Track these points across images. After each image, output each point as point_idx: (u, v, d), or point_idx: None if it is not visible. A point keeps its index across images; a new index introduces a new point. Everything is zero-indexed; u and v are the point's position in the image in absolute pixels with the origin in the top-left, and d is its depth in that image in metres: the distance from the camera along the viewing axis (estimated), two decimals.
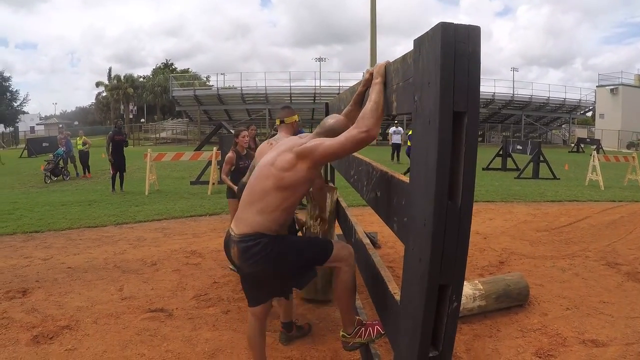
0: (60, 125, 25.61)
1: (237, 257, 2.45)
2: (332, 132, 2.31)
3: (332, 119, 2.47)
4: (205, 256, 5.79)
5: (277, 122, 3.51)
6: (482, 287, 3.83)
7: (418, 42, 1.34)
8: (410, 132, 14.05)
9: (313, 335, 3.63)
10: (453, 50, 1.14)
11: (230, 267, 3.08)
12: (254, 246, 2.39)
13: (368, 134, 1.93)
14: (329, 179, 5.74)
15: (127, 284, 4.78)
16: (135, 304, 4.27)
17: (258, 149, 3.64)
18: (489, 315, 3.85)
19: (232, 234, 2.48)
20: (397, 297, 1.62)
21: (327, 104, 5.69)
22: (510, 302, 3.94)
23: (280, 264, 2.46)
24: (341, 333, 2.73)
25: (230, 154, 5.62)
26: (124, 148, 11.62)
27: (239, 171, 5.40)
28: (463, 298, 3.67)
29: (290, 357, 3.27)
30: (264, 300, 2.79)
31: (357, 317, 2.65)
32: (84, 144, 15.33)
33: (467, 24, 1.13)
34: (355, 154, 2.78)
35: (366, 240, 2.65)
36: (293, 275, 2.63)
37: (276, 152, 2.47)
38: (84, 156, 15.35)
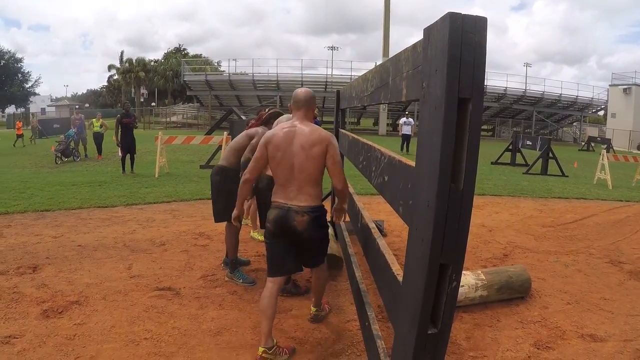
0: (76, 107, 25.81)
1: (305, 224, 3.02)
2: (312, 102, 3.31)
3: (301, 95, 3.33)
4: (214, 238, 5.87)
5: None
6: (484, 278, 3.88)
7: (427, 31, 1.39)
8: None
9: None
10: (460, 40, 1.19)
11: (265, 240, 3.20)
12: (322, 215, 3.11)
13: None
14: (341, 169, 5.79)
15: (135, 263, 4.88)
16: (144, 282, 4.36)
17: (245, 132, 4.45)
18: (490, 306, 3.90)
19: (296, 206, 3.03)
20: (400, 279, 1.68)
21: (338, 91, 5.73)
22: (512, 293, 3.98)
23: (326, 233, 3.22)
24: (313, 309, 3.60)
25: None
26: (134, 130, 11.75)
27: None
28: (465, 287, 3.74)
29: (294, 337, 3.34)
30: (293, 271, 3.39)
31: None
32: (101, 125, 15.52)
33: (475, 14, 1.17)
34: (362, 139, 3.25)
35: (372, 225, 2.71)
36: (324, 247, 3.30)
37: (313, 147, 3.05)
38: (99, 137, 15.55)
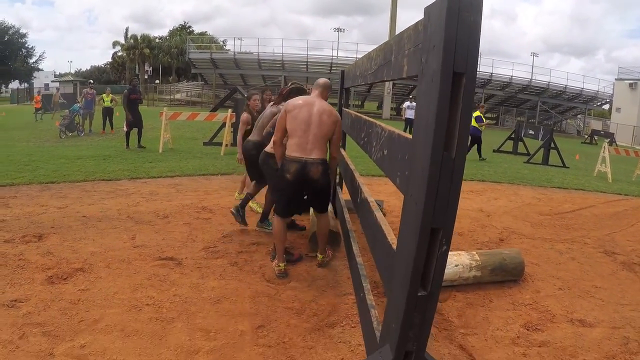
0: (90, 82, 25.69)
1: (319, 173, 3.88)
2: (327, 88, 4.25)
3: (321, 81, 4.29)
4: (216, 212, 5.98)
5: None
6: (478, 258, 3.97)
7: (428, 10, 1.48)
8: (476, 114, 13.40)
9: (314, 289, 3.82)
10: (457, 18, 1.27)
11: (278, 189, 4.18)
12: (327, 165, 3.99)
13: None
14: (340, 144, 5.88)
15: (139, 234, 4.99)
16: (147, 252, 4.47)
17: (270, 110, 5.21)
18: (483, 287, 4.00)
19: (310, 159, 3.87)
20: (395, 247, 1.77)
21: (342, 71, 5.78)
22: (505, 275, 4.08)
23: (330, 181, 4.16)
24: (319, 256, 4.35)
25: (245, 115, 5.95)
26: (139, 106, 11.91)
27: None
28: (459, 267, 3.84)
29: (292, 307, 3.45)
30: (298, 212, 4.69)
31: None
32: (111, 100, 15.64)
33: None
34: (365, 117, 3.54)
35: (371, 199, 2.79)
36: (329, 194, 4.26)
37: (327, 116, 3.98)
38: (110, 112, 15.67)
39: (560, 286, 4.21)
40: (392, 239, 1.91)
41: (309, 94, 4.57)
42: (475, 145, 13.61)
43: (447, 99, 1.26)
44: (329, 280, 4.01)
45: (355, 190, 3.64)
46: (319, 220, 4.29)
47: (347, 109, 5.24)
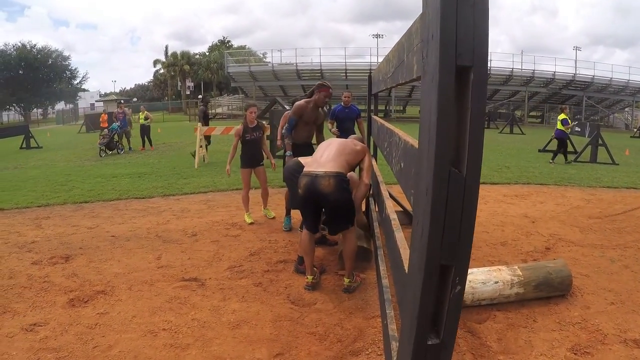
0: (121, 101, 26.45)
1: (331, 187, 3.63)
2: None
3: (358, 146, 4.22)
4: (245, 228, 5.84)
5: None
6: (521, 274, 3.61)
7: None
8: (561, 117, 13.19)
9: (340, 311, 3.56)
10: None
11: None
12: (344, 180, 3.73)
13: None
14: (372, 153, 5.64)
15: (165, 253, 4.89)
16: (171, 272, 4.35)
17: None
18: (527, 304, 3.62)
19: (321, 172, 3.71)
20: None
21: (370, 75, 5.52)
22: (551, 291, 3.69)
23: (349, 198, 3.83)
24: (346, 280, 3.98)
25: (238, 127, 6.08)
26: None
27: (245, 143, 6.09)
28: (500, 284, 3.50)
29: (314, 333, 3.21)
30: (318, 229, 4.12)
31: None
32: (145, 118, 16.02)
33: None
34: (387, 124, 3.34)
35: (393, 216, 2.52)
36: (348, 213, 3.85)
37: (352, 144, 4.17)
38: (146, 130, 16.00)
39: (613, 300, 3.76)
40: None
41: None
42: (562, 149, 13.12)
43: (451, 101, 0.98)
44: (357, 300, 3.74)
45: (380, 204, 3.37)
46: (344, 238, 3.99)
47: (376, 117, 4.96)
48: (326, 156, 3.91)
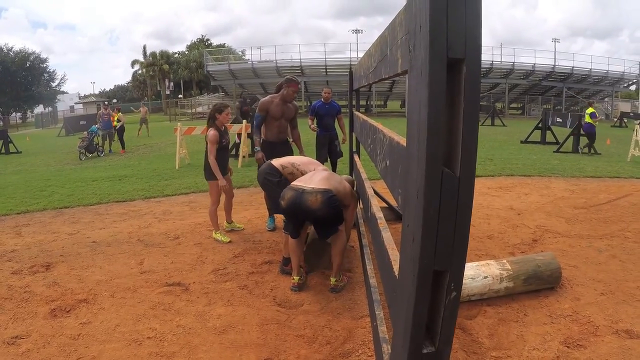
0: (105, 102, 26.03)
1: (319, 202, 3.51)
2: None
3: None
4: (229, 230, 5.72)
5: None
6: (510, 267, 3.58)
7: None
8: (590, 111, 13.40)
9: (327, 313, 3.49)
10: None
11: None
12: (333, 197, 3.59)
13: None
14: (354, 150, 5.57)
15: (147, 258, 4.77)
16: (154, 277, 4.24)
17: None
18: (517, 298, 3.59)
19: (309, 187, 3.62)
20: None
21: (351, 71, 5.44)
22: (540, 284, 3.67)
23: (338, 212, 3.72)
24: (332, 279, 3.89)
25: (213, 132, 5.11)
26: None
27: (221, 149, 5.23)
28: (489, 279, 3.47)
29: (303, 335, 3.14)
30: (302, 234, 3.98)
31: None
32: (118, 120, 15.86)
33: None
34: (370, 120, 3.24)
35: (379, 215, 2.46)
36: (336, 220, 3.76)
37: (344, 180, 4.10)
38: (120, 132, 15.88)
39: (602, 291, 3.76)
40: (398, 269, 1.57)
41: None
42: (588, 141, 13.38)
43: (442, 97, 0.91)
44: (344, 300, 3.68)
45: (365, 202, 3.30)
46: (334, 237, 3.85)
47: (357, 112, 4.89)
48: (317, 176, 3.86)
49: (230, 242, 5.26)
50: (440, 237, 0.97)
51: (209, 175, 5.27)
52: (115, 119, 16.01)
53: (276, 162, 4.43)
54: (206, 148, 5.22)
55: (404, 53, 1.37)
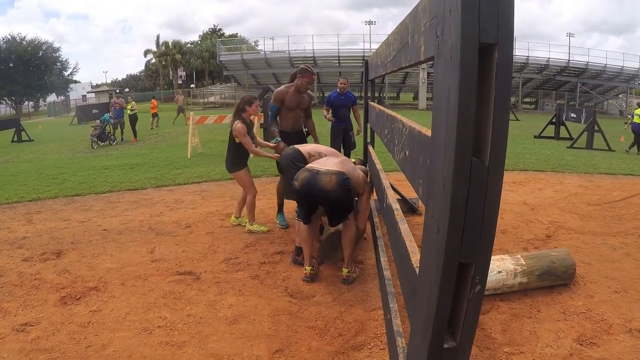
0: (117, 91, 26.18)
1: (333, 183, 3.50)
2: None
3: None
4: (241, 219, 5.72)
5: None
6: (524, 263, 3.53)
7: None
8: (638, 111, 13.33)
9: (340, 304, 3.47)
10: None
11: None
12: (347, 179, 3.59)
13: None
14: (368, 141, 5.52)
15: (159, 246, 4.78)
16: (165, 266, 4.25)
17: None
18: (530, 294, 3.55)
19: (324, 169, 3.61)
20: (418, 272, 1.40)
21: (366, 61, 5.38)
22: (555, 280, 3.62)
23: (350, 197, 3.75)
24: (344, 270, 3.88)
25: (240, 125, 4.99)
26: None
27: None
28: (503, 273, 3.43)
29: (314, 327, 3.12)
30: (315, 222, 4.04)
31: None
32: (131, 108, 15.98)
33: None
34: (388, 110, 3.16)
35: (395, 206, 2.42)
36: (348, 207, 3.76)
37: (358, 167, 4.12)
38: (133, 121, 16.06)
39: (616, 289, 3.69)
40: (417, 259, 1.54)
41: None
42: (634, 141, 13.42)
43: (474, 83, 0.87)
44: (357, 292, 3.66)
45: (381, 193, 3.26)
46: (344, 226, 3.86)
47: (372, 103, 4.84)
48: (332, 160, 3.89)
49: (269, 231, 5.23)
50: (467, 228, 0.94)
51: (232, 166, 5.21)
52: (129, 107, 16.12)
53: (303, 148, 4.42)
54: (229, 140, 5.17)
55: (428, 39, 1.33)
